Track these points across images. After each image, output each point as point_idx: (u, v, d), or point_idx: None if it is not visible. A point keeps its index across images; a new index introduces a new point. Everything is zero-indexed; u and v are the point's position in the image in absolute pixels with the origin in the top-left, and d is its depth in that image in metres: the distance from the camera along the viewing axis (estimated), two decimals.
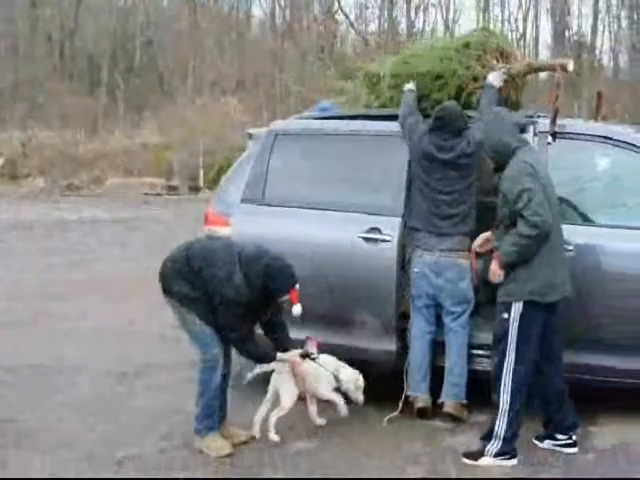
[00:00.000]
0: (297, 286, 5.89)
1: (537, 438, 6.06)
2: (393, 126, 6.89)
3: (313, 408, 6.37)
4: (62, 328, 9.62)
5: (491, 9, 44.41)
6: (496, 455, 5.73)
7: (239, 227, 7.03)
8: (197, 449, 5.98)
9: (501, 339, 5.75)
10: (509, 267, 5.68)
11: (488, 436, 5.78)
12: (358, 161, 6.94)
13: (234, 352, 6.11)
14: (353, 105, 7.73)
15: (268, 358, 6.13)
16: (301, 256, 6.67)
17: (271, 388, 6.28)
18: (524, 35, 43.56)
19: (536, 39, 44.32)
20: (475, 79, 7.00)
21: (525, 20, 44.02)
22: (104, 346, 8.81)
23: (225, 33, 43.40)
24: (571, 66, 6.93)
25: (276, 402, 6.24)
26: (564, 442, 5.96)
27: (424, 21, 47.16)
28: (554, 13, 42.54)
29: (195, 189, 30.23)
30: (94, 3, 44.75)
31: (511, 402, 5.70)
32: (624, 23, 42.19)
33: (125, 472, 5.67)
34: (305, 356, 6.17)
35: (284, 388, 6.23)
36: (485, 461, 5.73)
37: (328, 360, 6.32)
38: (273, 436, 6.13)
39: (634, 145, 6.53)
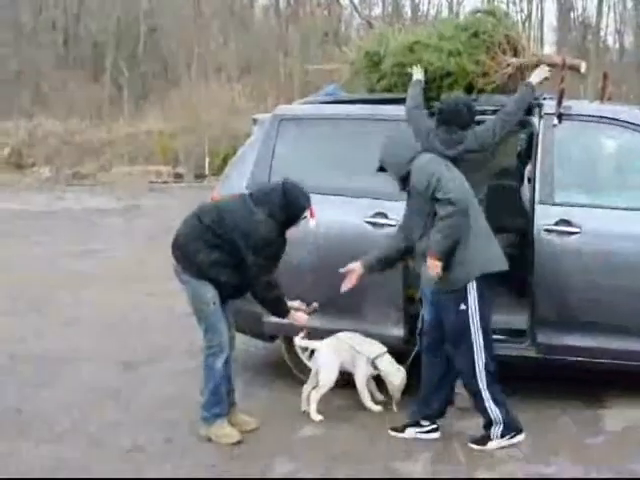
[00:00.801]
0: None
1: (395, 429, 6.04)
2: (399, 110, 6.85)
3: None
4: (67, 316, 9.63)
5: None
6: (502, 436, 5.73)
7: None
8: (205, 437, 5.97)
9: (462, 332, 5.70)
10: (445, 256, 5.63)
11: (488, 424, 5.77)
12: (364, 146, 6.88)
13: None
14: (354, 78, 7.62)
15: (285, 311, 6.12)
16: (307, 241, 6.66)
17: (313, 367, 6.44)
18: (529, 17, 43.41)
19: (541, 21, 44.20)
20: (485, 74, 6.92)
21: (530, 1, 43.86)
22: (110, 334, 8.81)
23: (229, 19, 43.28)
24: (584, 67, 6.89)
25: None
26: (428, 429, 5.98)
27: (429, 3, 47.08)
28: None
29: (201, 176, 30.18)
30: None
31: (490, 389, 5.71)
32: (629, 4, 42.04)
33: (132, 461, 5.67)
34: (313, 311, 6.21)
35: (323, 366, 6.36)
36: (493, 444, 5.72)
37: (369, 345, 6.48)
38: (314, 415, 6.26)
39: None
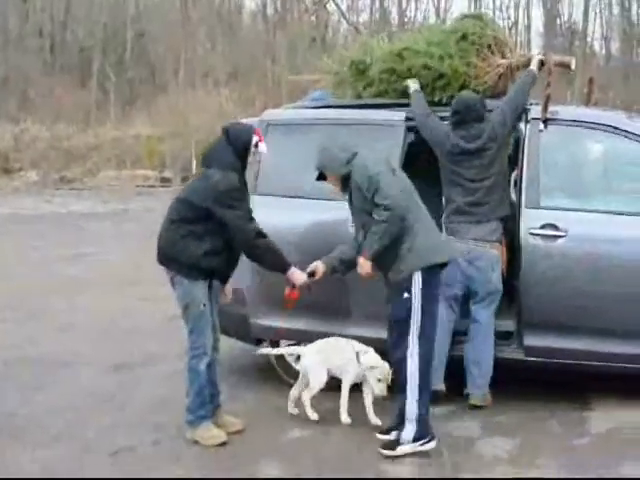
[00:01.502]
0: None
1: (382, 433, 5.95)
2: (386, 115, 6.88)
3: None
4: (60, 320, 9.62)
5: None
6: (414, 440, 5.67)
7: None
8: (191, 440, 5.98)
9: (401, 320, 5.69)
10: (376, 257, 5.75)
11: (400, 423, 5.74)
12: None
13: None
14: (338, 87, 7.65)
15: (284, 263, 6.13)
16: (295, 246, 6.68)
17: (301, 369, 6.42)
18: (516, 23, 43.58)
19: (528, 27, 44.35)
20: (477, 76, 6.97)
21: (517, 8, 44.04)
22: (101, 339, 8.81)
23: (217, 24, 43.27)
24: (573, 64, 6.99)
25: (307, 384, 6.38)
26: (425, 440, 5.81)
27: (416, 9, 47.19)
28: (545, 0, 42.50)
29: (188, 180, 30.18)
30: None
31: (420, 383, 5.66)
32: (616, 10, 42.21)
33: (120, 464, 5.67)
34: (311, 275, 6.20)
35: (312, 369, 6.34)
36: (403, 449, 5.67)
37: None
38: (311, 415, 6.29)
39: (626, 131, 6.53)
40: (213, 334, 6.08)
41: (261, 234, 6.02)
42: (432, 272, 5.72)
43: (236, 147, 6.09)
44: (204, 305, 5.96)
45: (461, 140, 6.55)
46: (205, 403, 6.02)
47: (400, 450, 5.66)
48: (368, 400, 6.25)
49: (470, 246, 6.52)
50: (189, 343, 6.02)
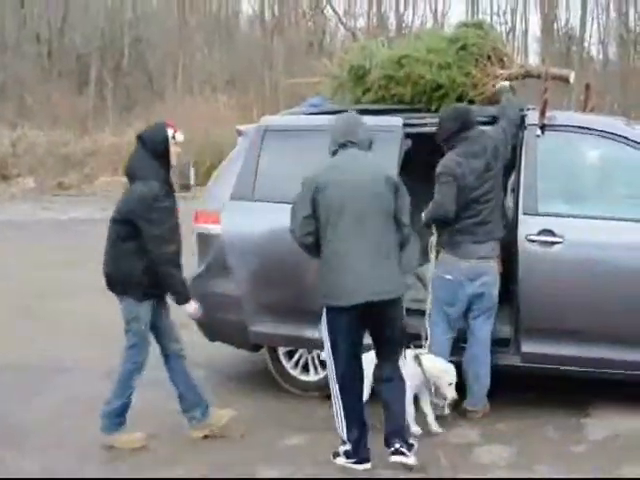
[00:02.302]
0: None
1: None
2: (384, 120, 6.87)
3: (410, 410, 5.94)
4: (54, 326, 9.61)
5: (480, 2, 44.54)
6: (347, 457, 5.58)
7: (229, 224, 7.04)
8: (108, 446, 6.04)
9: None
10: None
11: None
12: None
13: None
14: (336, 92, 7.64)
15: (186, 296, 6.04)
16: (292, 252, 6.67)
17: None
18: (513, 28, 43.70)
19: (525, 32, 44.47)
20: (475, 86, 6.98)
21: (514, 13, 44.13)
22: (97, 344, 8.78)
23: (214, 30, 43.32)
24: (572, 77, 6.98)
25: None
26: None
27: (413, 14, 47.26)
28: (543, 6, 42.58)
29: (185, 187, 30.07)
30: (82, 1, 44.57)
31: (337, 409, 5.56)
32: (613, 15, 42.29)
33: (114, 469, 5.68)
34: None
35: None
36: (339, 461, 5.62)
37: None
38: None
39: (624, 137, 6.53)
40: (174, 342, 6.23)
41: (172, 262, 5.95)
42: (332, 311, 5.53)
43: (154, 150, 6.01)
44: (146, 325, 6.03)
45: (470, 158, 6.42)
46: (125, 411, 6.11)
47: (337, 460, 5.62)
48: (428, 407, 6.11)
49: (473, 264, 6.45)
50: (128, 356, 6.10)
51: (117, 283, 6.06)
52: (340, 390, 5.54)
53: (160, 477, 5.53)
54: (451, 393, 6.03)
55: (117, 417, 6.09)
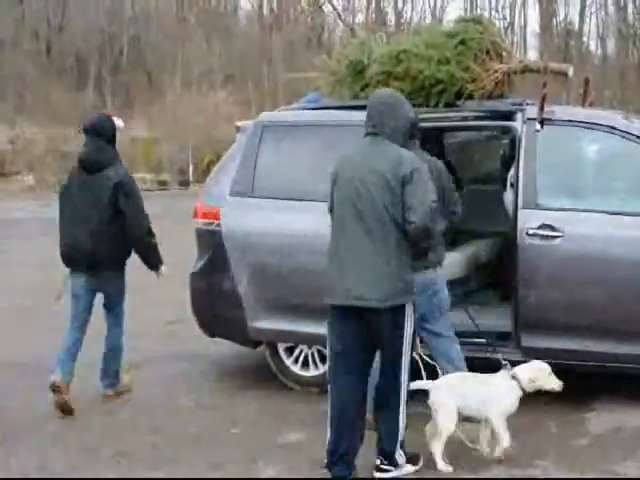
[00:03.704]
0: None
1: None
2: None
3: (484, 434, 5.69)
4: (53, 323, 9.57)
5: None
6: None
7: (228, 220, 7.04)
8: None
9: None
10: None
11: None
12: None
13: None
14: (335, 87, 7.61)
15: (159, 261, 6.88)
16: (290, 248, 6.69)
17: (431, 407, 5.60)
18: (512, 23, 43.66)
19: (524, 27, 44.44)
20: (474, 81, 6.97)
21: (513, 8, 44.10)
22: (98, 341, 8.77)
23: (213, 27, 43.27)
24: (571, 72, 6.98)
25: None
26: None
27: (412, 10, 47.23)
28: (541, 0, 42.54)
29: (185, 183, 30.19)
30: None
31: (330, 416, 5.37)
32: (611, 10, 42.27)
33: (117, 467, 5.67)
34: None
35: (440, 409, 5.54)
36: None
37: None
38: (442, 466, 5.46)
39: (622, 131, 6.53)
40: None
41: (151, 232, 6.78)
42: (331, 310, 5.34)
43: (108, 136, 6.82)
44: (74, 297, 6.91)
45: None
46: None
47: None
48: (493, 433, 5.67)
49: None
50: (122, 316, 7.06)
51: (113, 260, 6.78)
52: (333, 403, 5.34)
53: (160, 477, 5.51)
54: (556, 382, 5.69)
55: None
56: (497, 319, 6.73)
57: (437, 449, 5.48)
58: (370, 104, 5.45)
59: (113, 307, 7.00)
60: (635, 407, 6.39)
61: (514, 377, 5.63)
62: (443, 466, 5.46)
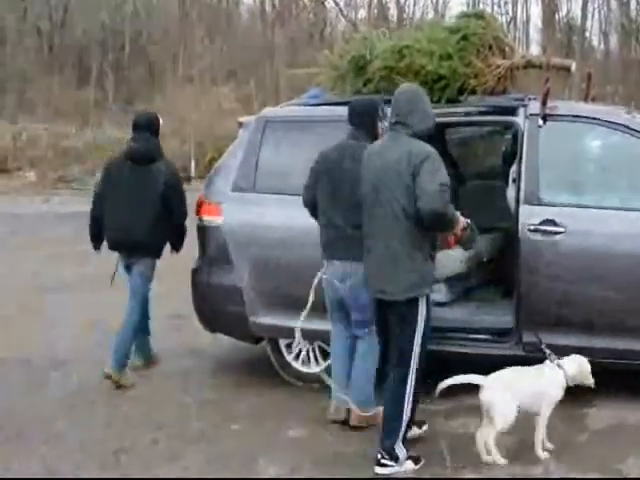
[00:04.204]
0: None
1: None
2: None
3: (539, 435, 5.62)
4: (54, 319, 9.59)
5: None
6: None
7: (230, 216, 7.04)
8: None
9: None
10: None
11: None
12: None
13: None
14: (337, 82, 7.60)
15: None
16: (292, 243, 6.69)
17: (483, 405, 5.55)
18: (514, 18, 43.57)
19: (526, 22, 44.36)
20: (476, 76, 6.96)
21: (515, 3, 44.02)
22: (100, 337, 8.78)
23: (214, 22, 43.22)
24: (573, 67, 6.98)
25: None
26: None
27: (414, 5, 47.17)
28: None
29: (187, 179, 30.04)
30: None
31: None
32: (614, 5, 42.16)
33: (119, 464, 5.67)
34: None
35: (496, 406, 5.47)
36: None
37: None
38: (499, 459, 5.45)
39: (625, 126, 6.51)
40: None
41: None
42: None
43: (157, 132, 7.49)
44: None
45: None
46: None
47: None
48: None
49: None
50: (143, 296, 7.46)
51: (153, 245, 7.31)
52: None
53: (160, 477, 5.51)
54: (592, 380, 5.73)
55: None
56: (498, 315, 6.72)
57: (492, 444, 5.45)
58: (395, 97, 5.56)
59: (137, 290, 7.41)
60: (636, 403, 6.39)
61: (560, 367, 5.65)
62: (504, 461, 5.46)
